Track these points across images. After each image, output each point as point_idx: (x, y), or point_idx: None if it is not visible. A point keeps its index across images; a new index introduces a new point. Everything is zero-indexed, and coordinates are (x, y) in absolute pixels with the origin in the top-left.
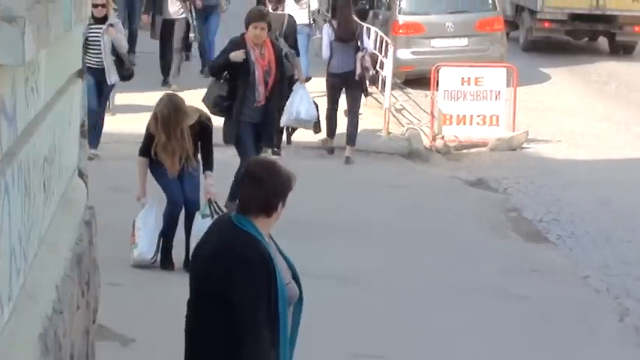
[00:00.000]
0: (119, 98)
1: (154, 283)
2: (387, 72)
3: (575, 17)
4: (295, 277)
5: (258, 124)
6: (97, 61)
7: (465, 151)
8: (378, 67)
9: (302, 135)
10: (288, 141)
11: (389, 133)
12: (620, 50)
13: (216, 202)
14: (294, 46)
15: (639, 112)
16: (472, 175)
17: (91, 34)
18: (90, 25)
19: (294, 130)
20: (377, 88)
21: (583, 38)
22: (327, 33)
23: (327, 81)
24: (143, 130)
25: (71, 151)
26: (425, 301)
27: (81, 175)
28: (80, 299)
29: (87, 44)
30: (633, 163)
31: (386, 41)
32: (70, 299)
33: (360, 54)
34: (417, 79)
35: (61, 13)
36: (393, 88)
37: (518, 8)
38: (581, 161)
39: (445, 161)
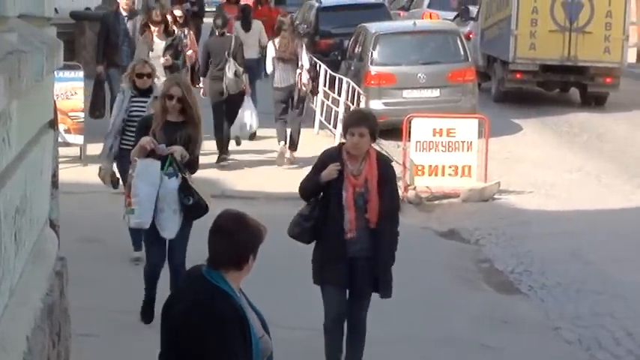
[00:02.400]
0: (91, 148)
1: (126, 334)
2: None
3: (547, 68)
4: (266, 330)
5: (353, 263)
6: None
7: (436, 201)
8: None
9: (276, 185)
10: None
11: None
12: (591, 101)
13: (176, 160)
14: (242, 63)
15: (610, 164)
16: (444, 226)
17: (133, 109)
18: (132, 97)
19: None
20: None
21: (555, 89)
22: (271, 50)
23: (273, 94)
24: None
25: (43, 201)
26: (396, 354)
27: (52, 225)
28: (51, 350)
29: (128, 121)
30: (604, 214)
31: (358, 92)
32: (40, 350)
33: (298, 71)
34: (389, 130)
35: (32, 64)
36: None
37: (490, 59)
38: (553, 212)
39: (417, 212)
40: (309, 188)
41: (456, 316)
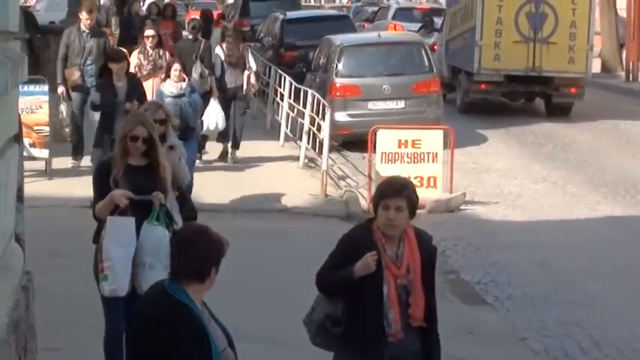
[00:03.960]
0: (56, 162)
1: (92, 348)
2: (324, 134)
3: (512, 79)
4: (231, 344)
5: None
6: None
7: None
8: (315, 130)
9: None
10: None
11: (326, 195)
12: (556, 111)
13: (165, 207)
14: (209, 66)
15: (576, 173)
16: None
17: None
18: None
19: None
20: (314, 150)
21: (519, 100)
22: (219, 55)
23: (220, 97)
24: (81, 194)
25: (8, 215)
26: None
27: (17, 239)
28: None
29: None
30: (570, 224)
31: (323, 104)
32: None
33: (247, 72)
34: (355, 142)
35: None
36: (330, 151)
37: (455, 70)
38: (519, 222)
39: None
40: (335, 284)
41: None
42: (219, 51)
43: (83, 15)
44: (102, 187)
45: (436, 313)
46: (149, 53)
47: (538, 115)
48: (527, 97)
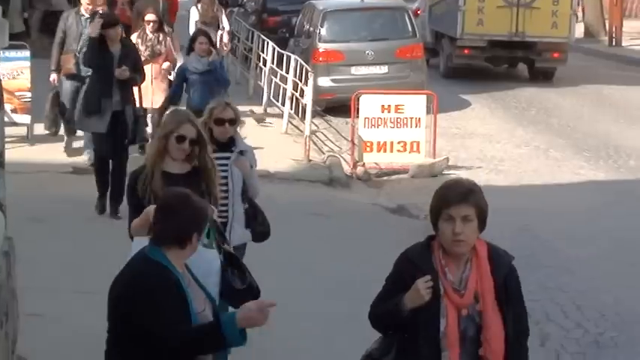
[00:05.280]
0: (38, 128)
1: (74, 314)
2: (307, 100)
3: (495, 44)
4: (214, 310)
5: None
6: (219, 211)
7: (385, 177)
8: (298, 95)
9: None
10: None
11: (309, 160)
12: (539, 76)
13: (217, 223)
14: (169, 23)
15: (558, 138)
16: (393, 202)
17: None
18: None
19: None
20: (297, 116)
21: (503, 65)
22: (194, 15)
23: None
24: (63, 160)
25: None
26: (347, 332)
27: None
28: None
29: None
30: (553, 189)
31: (306, 69)
32: None
33: (220, 32)
34: (338, 107)
35: None
36: (313, 116)
37: (438, 35)
38: (501, 187)
39: (366, 188)
40: (385, 318)
41: None
42: (194, 11)
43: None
44: (136, 200)
45: (525, 354)
46: (148, 37)
47: (521, 80)
48: (510, 62)
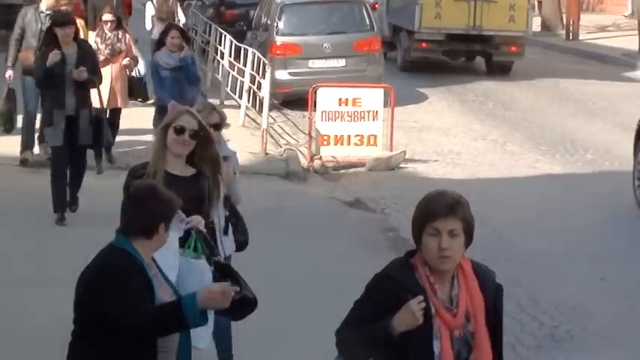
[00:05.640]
0: None
1: (33, 307)
2: (264, 93)
3: (452, 37)
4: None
5: None
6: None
7: (342, 171)
8: (255, 88)
9: None
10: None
11: (266, 153)
12: (497, 70)
13: (203, 234)
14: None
15: (515, 131)
16: (350, 196)
17: None
18: None
19: None
20: (255, 109)
21: (460, 58)
22: (150, 10)
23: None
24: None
25: None
26: (306, 324)
27: None
28: None
29: None
30: (510, 182)
31: (263, 62)
32: None
33: None
34: (295, 100)
35: None
36: (270, 109)
37: (396, 29)
38: (458, 180)
39: (323, 181)
40: (366, 345)
41: (362, 286)
42: (149, 6)
43: None
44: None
45: None
46: (107, 36)
47: (478, 74)
48: (467, 56)
